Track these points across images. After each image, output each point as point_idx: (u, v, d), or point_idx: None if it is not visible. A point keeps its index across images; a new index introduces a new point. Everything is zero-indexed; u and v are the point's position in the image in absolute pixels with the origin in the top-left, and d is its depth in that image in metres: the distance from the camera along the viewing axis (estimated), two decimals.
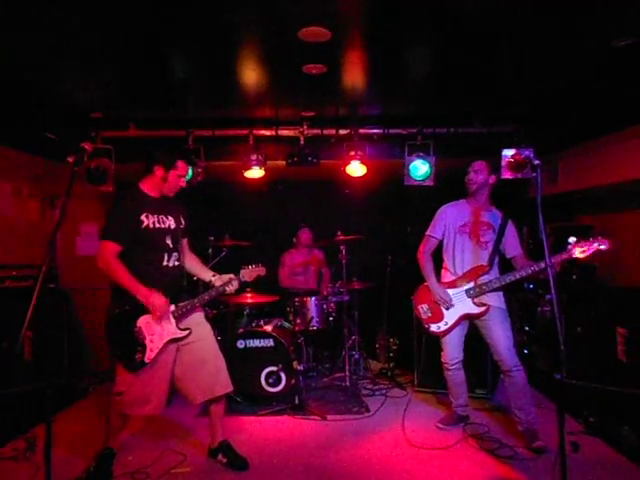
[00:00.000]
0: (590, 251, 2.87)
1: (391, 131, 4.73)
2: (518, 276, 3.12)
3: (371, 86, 3.86)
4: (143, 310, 2.70)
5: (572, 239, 2.88)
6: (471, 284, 3.29)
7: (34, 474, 2.87)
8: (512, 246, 3.33)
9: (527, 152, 4.21)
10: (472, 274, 3.30)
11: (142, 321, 2.71)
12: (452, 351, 3.44)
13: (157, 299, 2.68)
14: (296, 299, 4.72)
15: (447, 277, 3.44)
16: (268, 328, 4.21)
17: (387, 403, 4.15)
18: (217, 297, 3.02)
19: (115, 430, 2.88)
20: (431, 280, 3.42)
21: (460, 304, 3.31)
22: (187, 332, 2.81)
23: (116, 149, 4.52)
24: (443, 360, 3.51)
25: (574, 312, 4.14)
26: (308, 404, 4.03)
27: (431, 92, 4.01)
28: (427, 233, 3.53)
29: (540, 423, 3.24)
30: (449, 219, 3.46)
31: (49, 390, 2.83)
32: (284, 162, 4.74)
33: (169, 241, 2.83)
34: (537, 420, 3.23)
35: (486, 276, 3.27)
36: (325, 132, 4.74)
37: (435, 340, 3.61)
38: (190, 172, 4.23)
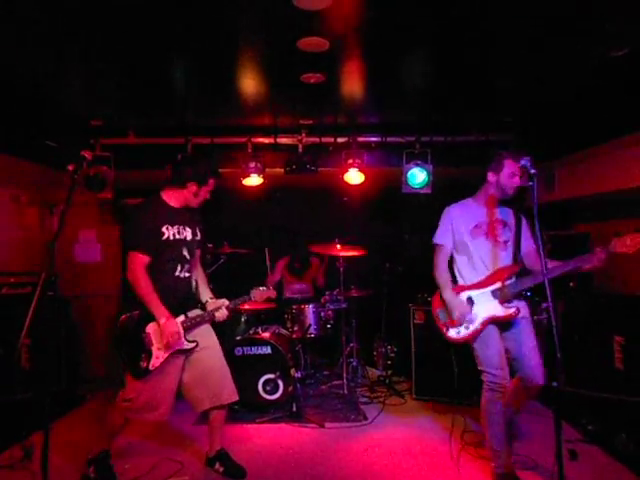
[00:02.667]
0: (636, 244, 2.55)
1: (389, 139, 4.76)
2: (551, 276, 2.62)
3: (369, 95, 3.89)
4: (153, 317, 2.72)
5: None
6: (498, 284, 2.92)
7: None
8: (527, 241, 3.04)
9: (524, 161, 4.22)
10: (499, 275, 2.95)
11: (151, 328, 2.72)
12: (493, 358, 2.87)
13: (172, 326, 2.69)
14: (294, 306, 4.73)
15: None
16: (266, 335, 4.21)
17: (385, 411, 4.15)
18: (210, 321, 3.01)
19: (113, 433, 2.90)
20: (447, 292, 3.04)
21: (484, 305, 2.93)
22: (194, 344, 2.82)
23: (115, 156, 4.53)
24: (491, 381, 2.87)
25: (571, 320, 4.15)
26: (305, 412, 4.03)
27: (429, 101, 4.04)
28: (435, 242, 3.15)
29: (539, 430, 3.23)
30: (457, 221, 3.09)
31: (46, 398, 2.84)
32: (282, 170, 4.76)
33: (185, 252, 2.88)
34: None
35: (512, 276, 2.96)
36: (323, 140, 4.76)
37: (432, 348, 3.58)
38: None
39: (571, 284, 4.46)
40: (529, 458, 3.13)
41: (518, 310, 2.86)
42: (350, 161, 4.63)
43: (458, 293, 3.03)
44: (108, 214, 5.18)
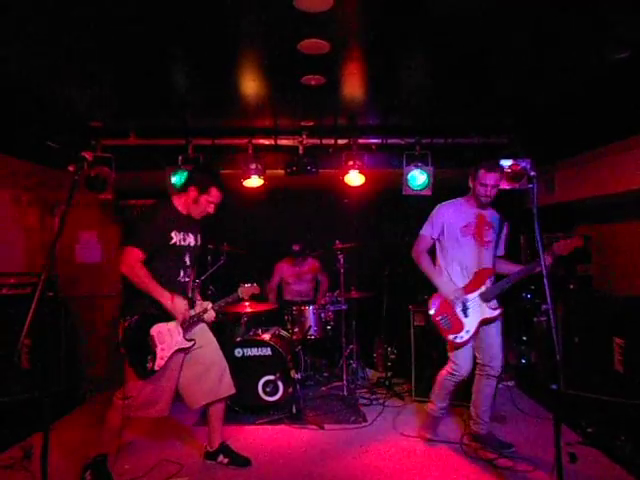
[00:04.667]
0: (569, 248, 3.03)
1: (389, 141, 4.76)
2: (523, 275, 3.18)
3: (369, 97, 3.90)
4: (156, 319, 2.78)
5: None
6: (483, 288, 3.20)
7: None
8: (501, 247, 3.39)
9: (524, 163, 4.25)
10: (482, 277, 3.21)
11: (155, 330, 2.78)
12: (468, 363, 3.22)
13: (180, 304, 2.79)
14: (294, 308, 4.73)
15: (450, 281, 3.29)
16: (266, 337, 4.21)
17: (384, 413, 4.14)
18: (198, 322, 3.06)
19: (114, 435, 2.89)
20: (439, 279, 3.26)
21: (478, 309, 3.19)
22: (192, 343, 2.90)
23: (116, 157, 4.54)
24: (455, 371, 3.24)
25: (571, 322, 4.15)
26: (305, 413, 4.03)
27: (429, 103, 4.04)
28: (422, 232, 3.38)
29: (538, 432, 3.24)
30: (448, 219, 3.31)
31: (47, 398, 2.84)
32: (283, 171, 4.76)
33: (187, 258, 2.95)
34: None
35: (492, 278, 3.25)
36: (324, 142, 4.76)
37: (432, 350, 3.59)
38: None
39: (571, 286, 4.47)
40: (529, 460, 3.13)
41: (502, 310, 3.20)
42: (350, 163, 4.63)
43: None
44: (109, 215, 5.19)
